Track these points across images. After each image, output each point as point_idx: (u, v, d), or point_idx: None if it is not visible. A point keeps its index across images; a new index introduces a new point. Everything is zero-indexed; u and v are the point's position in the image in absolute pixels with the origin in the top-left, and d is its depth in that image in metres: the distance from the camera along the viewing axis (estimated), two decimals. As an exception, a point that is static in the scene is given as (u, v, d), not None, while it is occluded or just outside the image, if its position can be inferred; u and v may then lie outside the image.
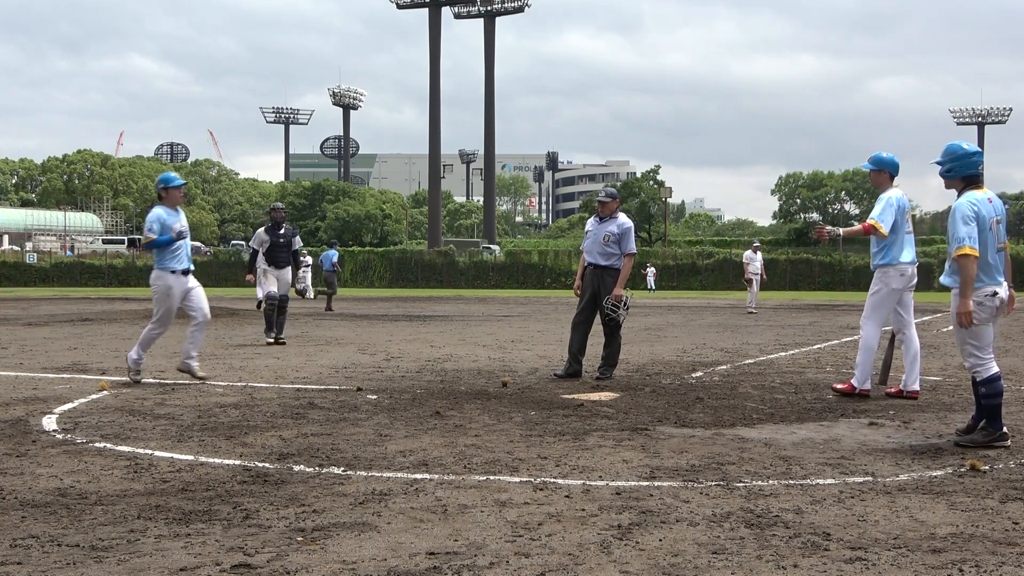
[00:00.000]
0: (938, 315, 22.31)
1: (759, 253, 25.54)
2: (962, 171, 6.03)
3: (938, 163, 6.12)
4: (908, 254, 7.87)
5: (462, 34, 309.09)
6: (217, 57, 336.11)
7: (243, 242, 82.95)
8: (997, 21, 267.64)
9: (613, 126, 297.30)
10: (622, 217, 9.50)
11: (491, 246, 72.69)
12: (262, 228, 13.94)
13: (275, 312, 13.41)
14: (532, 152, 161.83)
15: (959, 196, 5.98)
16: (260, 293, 25.27)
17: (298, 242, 14.11)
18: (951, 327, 6.11)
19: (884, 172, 7.95)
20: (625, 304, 9.34)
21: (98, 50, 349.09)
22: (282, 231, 13.71)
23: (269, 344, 13.19)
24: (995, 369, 5.84)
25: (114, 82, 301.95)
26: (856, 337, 15.50)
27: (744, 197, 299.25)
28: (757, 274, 24.92)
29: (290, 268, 13.86)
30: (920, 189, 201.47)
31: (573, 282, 9.99)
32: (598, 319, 9.51)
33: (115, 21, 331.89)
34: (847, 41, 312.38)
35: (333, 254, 27.50)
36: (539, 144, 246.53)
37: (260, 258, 13.80)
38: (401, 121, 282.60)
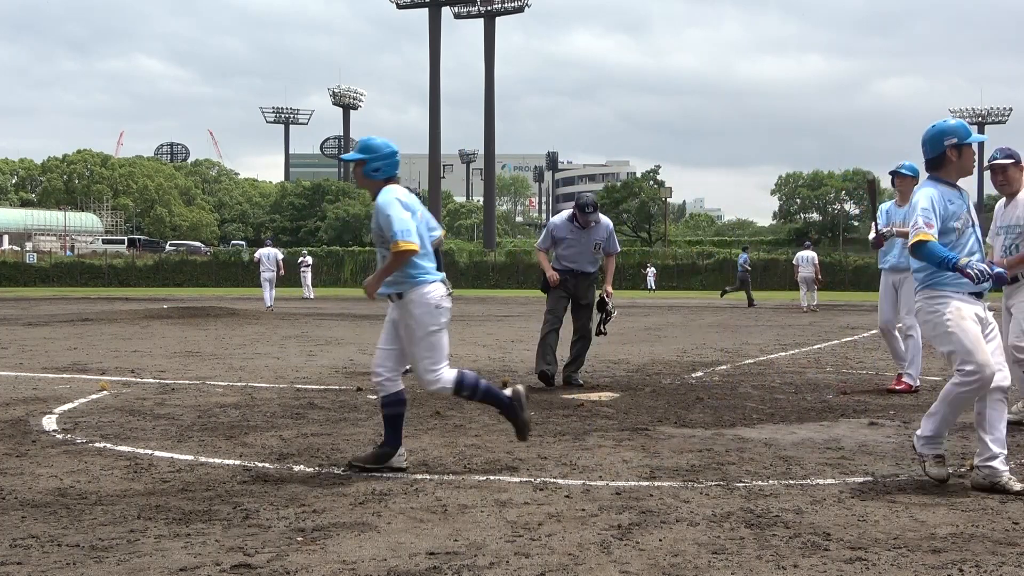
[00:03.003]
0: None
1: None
2: (389, 171, 5.21)
3: (352, 159, 5.22)
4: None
5: (467, 34, 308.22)
6: (223, 58, 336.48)
7: (243, 242, 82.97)
8: (1005, 21, 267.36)
9: (618, 126, 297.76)
10: (603, 220, 9.09)
11: None
12: None
13: None
14: (532, 152, 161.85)
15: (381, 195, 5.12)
16: (268, 298, 25.08)
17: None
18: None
19: (908, 178, 8.12)
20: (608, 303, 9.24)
21: (105, 50, 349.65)
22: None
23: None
24: (400, 386, 5.22)
25: (119, 82, 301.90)
26: (854, 338, 15.52)
27: (747, 197, 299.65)
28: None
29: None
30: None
31: None
32: (568, 323, 9.27)
33: (123, 21, 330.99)
34: (853, 41, 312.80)
35: (745, 257, 31.05)
36: (544, 144, 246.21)
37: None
38: (405, 121, 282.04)
